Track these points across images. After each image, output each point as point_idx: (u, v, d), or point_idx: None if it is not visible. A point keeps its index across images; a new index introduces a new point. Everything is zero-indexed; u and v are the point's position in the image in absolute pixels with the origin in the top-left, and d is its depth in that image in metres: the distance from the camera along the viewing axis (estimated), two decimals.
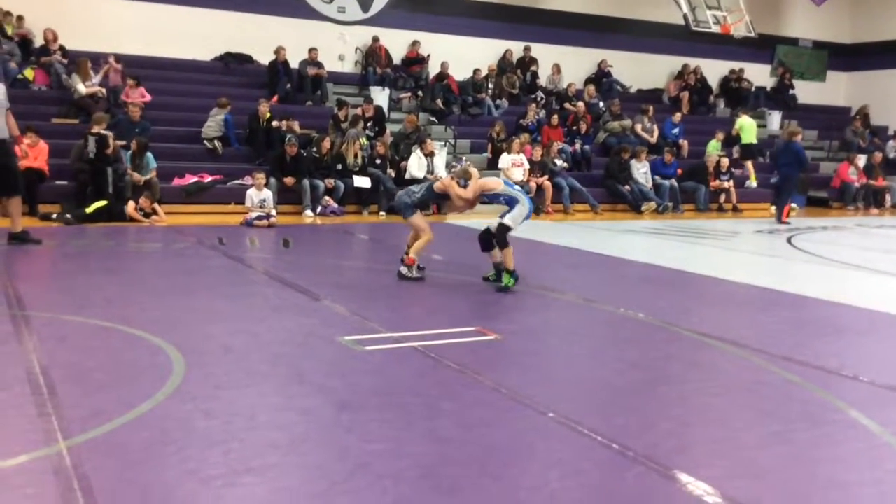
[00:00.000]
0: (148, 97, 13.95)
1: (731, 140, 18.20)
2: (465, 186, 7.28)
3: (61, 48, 14.41)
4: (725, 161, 16.89)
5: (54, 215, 10.81)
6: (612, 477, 3.37)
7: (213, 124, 13.75)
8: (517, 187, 7.53)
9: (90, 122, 11.99)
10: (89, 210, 11.00)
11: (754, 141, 17.49)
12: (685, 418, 4.17)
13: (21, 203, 9.00)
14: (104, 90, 13.73)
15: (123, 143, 12.16)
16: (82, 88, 13.42)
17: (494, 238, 7.18)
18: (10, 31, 14.33)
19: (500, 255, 7.23)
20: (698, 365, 5.26)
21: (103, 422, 3.66)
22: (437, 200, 7.59)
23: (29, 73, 14.00)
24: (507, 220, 7.17)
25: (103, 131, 11.67)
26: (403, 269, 7.36)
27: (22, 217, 8.94)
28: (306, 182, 12.91)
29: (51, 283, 7.41)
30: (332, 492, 3.09)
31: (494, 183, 7.40)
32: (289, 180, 12.76)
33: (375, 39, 17.54)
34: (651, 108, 18.09)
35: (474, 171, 7.50)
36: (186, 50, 16.18)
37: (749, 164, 17.17)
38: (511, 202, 7.21)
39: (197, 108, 14.50)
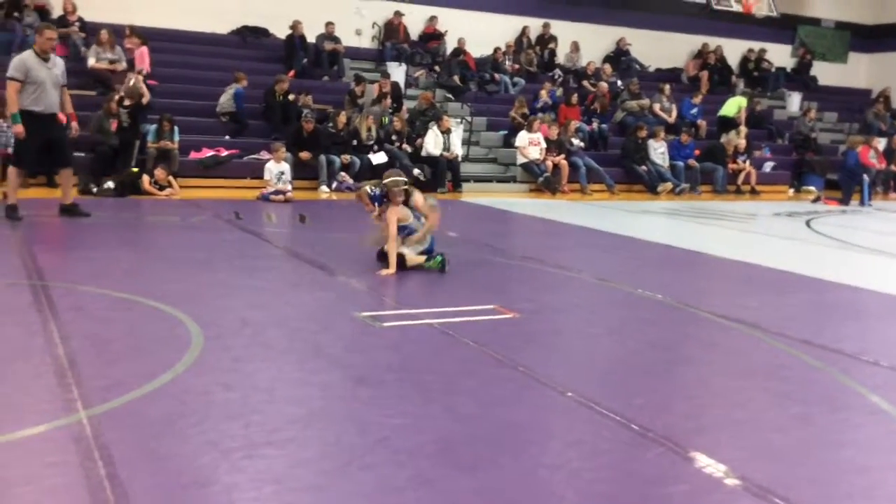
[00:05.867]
0: (146, 62, 13.83)
1: (752, 119, 18.11)
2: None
3: (79, 19, 14.38)
4: (744, 143, 16.76)
5: (94, 188, 10.92)
6: (631, 457, 3.35)
7: (225, 99, 13.71)
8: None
9: (111, 95, 11.99)
10: (133, 172, 11.25)
11: (729, 115, 17.39)
12: (704, 400, 4.15)
13: (71, 175, 9.11)
14: (124, 63, 13.69)
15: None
16: (92, 61, 13.43)
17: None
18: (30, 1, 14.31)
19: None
20: (717, 346, 5.23)
21: (123, 392, 3.67)
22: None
23: None
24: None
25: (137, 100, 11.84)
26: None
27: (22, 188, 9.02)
28: (323, 158, 12.89)
29: (70, 254, 7.43)
30: (352, 466, 3.09)
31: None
32: (304, 154, 12.75)
33: (398, 14, 17.39)
34: (668, 86, 17.89)
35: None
36: (203, 23, 16.13)
37: (732, 134, 17.00)
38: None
39: (214, 81, 14.47)
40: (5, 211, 8.38)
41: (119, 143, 11.59)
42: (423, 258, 6.83)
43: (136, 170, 11.34)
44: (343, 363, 4.32)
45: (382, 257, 6.97)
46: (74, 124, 8.96)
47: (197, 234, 8.61)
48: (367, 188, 7.04)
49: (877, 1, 23.23)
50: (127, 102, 11.71)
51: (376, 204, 6.94)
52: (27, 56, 8.37)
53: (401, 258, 6.75)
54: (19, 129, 8.25)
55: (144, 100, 12.29)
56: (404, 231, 6.90)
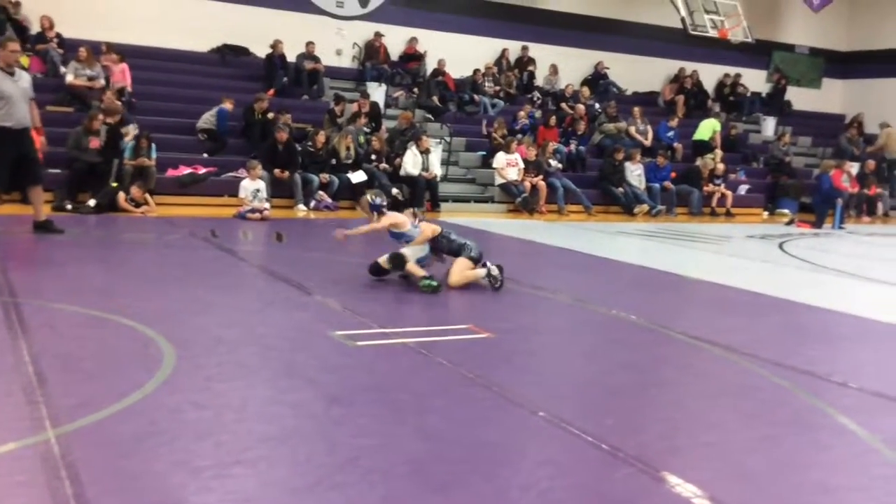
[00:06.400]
0: (128, 79, 13.83)
1: (727, 143, 18.39)
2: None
3: (58, 35, 14.35)
4: (722, 167, 16.96)
5: (69, 206, 10.84)
6: (601, 477, 3.37)
7: (208, 115, 13.70)
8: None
9: (93, 112, 11.92)
10: (114, 187, 11.25)
11: (704, 138, 17.63)
12: (675, 420, 4.18)
13: (42, 192, 9.01)
14: (102, 80, 13.66)
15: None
16: (70, 77, 13.40)
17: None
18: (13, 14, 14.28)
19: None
20: (689, 368, 5.27)
21: (92, 411, 3.64)
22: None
23: (24, 60, 13.90)
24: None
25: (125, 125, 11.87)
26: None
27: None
28: (298, 176, 12.89)
29: (42, 271, 7.35)
30: (322, 486, 3.08)
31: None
32: (280, 174, 12.71)
33: (377, 35, 17.50)
34: (637, 109, 18.03)
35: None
36: (184, 40, 16.13)
37: (707, 157, 17.21)
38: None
39: (193, 99, 14.47)
40: None
41: (100, 160, 11.53)
42: (422, 272, 6.91)
43: (115, 185, 11.29)
44: (316, 382, 4.32)
45: (375, 271, 7.08)
46: (42, 139, 8.87)
47: (172, 252, 8.57)
48: (369, 197, 7.35)
49: (850, 28, 23.67)
50: (109, 120, 11.70)
51: (375, 212, 7.21)
52: None
53: (401, 259, 6.91)
54: None
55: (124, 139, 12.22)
56: (402, 238, 7.12)
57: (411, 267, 6.92)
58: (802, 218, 16.11)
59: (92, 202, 10.93)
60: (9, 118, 8.21)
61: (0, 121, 8.17)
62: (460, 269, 7.09)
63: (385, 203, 7.35)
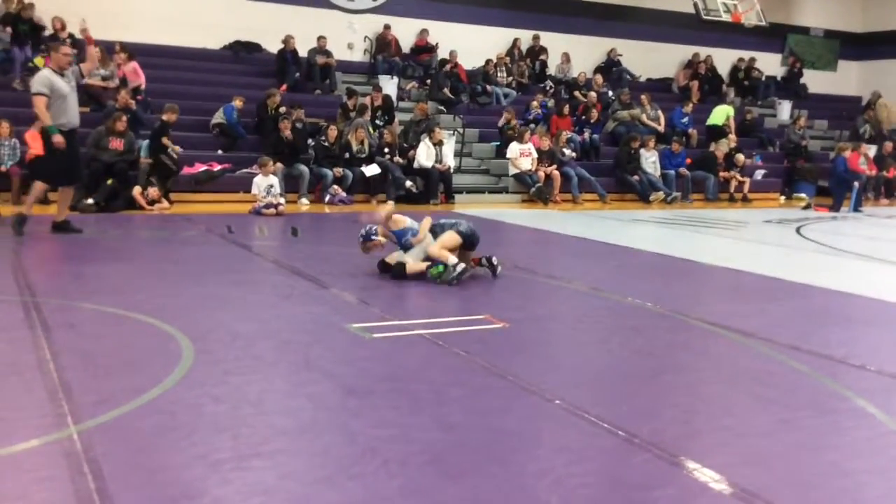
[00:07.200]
0: (142, 77, 13.92)
1: (743, 127, 18.27)
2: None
3: (70, 36, 14.43)
4: (741, 158, 16.84)
5: (89, 201, 10.90)
6: (618, 463, 3.38)
7: (220, 113, 13.76)
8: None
9: (118, 114, 11.98)
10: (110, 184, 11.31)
11: (717, 123, 17.55)
12: (692, 406, 4.18)
13: (72, 194, 9.32)
14: (117, 80, 13.74)
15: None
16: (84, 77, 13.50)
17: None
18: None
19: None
20: (705, 353, 5.26)
21: (113, 407, 3.68)
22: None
23: (39, 60, 14.01)
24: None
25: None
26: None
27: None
28: (304, 168, 12.92)
29: (61, 269, 7.45)
30: (340, 476, 3.11)
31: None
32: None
33: (387, 27, 17.50)
34: (645, 96, 17.90)
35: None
36: (195, 38, 16.20)
37: (722, 142, 17.11)
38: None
39: (206, 96, 14.53)
40: (14, 220, 8.43)
41: (119, 160, 11.65)
42: (424, 265, 6.91)
43: (110, 181, 11.30)
44: (333, 374, 4.35)
45: (384, 268, 7.09)
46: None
47: (189, 248, 8.63)
48: (363, 232, 7.27)
49: (865, 9, 23.42)
50: (164, 117, 11.89)
51: (366, 241, 7.24)
52: (48, 72, 8.60)
53: (401, 266, 6.89)
54: (59, 139, 8.39)
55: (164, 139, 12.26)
56: (407, 234, 7.09)
57: (411, 269, 6.90)
58: (820, 202, 15.99)
59: (90, 200, 10.97)
60: (62, 116, 8.44)
61: (55, 119, 8.36)
62: (442, 241, 6.97)
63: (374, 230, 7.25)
